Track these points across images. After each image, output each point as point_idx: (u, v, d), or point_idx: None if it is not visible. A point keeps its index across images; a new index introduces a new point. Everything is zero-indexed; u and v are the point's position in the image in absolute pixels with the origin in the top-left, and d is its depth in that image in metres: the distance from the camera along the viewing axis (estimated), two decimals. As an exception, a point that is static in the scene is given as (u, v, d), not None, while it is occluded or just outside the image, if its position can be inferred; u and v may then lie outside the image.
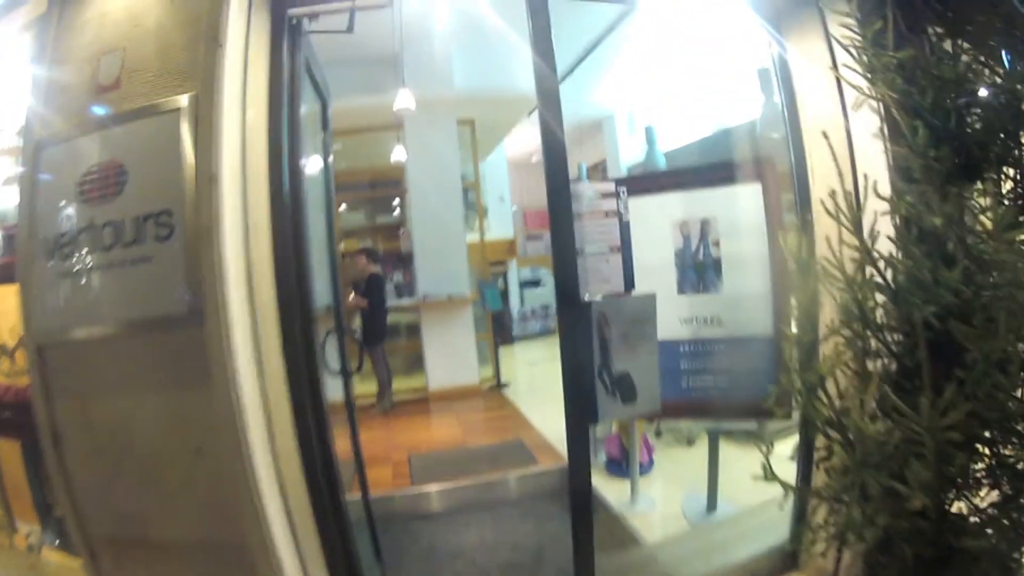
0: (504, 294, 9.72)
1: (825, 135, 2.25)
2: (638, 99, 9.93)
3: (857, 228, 1.99)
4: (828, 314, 2.30)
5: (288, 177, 1.95)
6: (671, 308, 3.22)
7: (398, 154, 7.06)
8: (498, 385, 7.41)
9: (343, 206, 9.20)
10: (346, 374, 2.95)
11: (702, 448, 4.33)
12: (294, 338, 1.93)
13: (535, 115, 8.14)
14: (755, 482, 2.23)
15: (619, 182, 2.65)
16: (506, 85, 7.17)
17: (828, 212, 2.13)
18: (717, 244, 3.20)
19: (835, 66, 2.62)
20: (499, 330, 8.09)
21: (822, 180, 2.77)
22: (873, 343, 2.14)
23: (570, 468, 2.20)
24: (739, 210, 3.23)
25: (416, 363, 7.47)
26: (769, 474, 2.33)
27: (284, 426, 1.91)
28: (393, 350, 7.61)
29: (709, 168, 3.36)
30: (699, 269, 3.23)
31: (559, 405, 5.77)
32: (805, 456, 2.75)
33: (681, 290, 3.24)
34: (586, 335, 2.25)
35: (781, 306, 3.10)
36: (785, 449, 4.34)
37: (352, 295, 6.75)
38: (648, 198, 3.31)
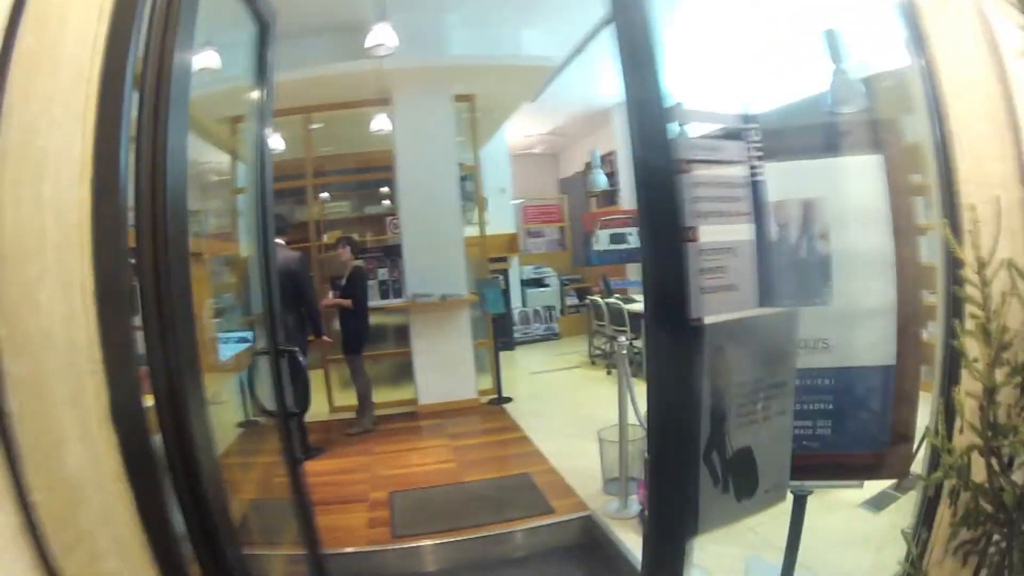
0: (505, 295, 8.77)
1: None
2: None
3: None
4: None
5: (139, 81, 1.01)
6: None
7: (384, 129, 6.06)
8: (499, 400, 6.47)
9: (326, 194, 8.30)
10: (285, 416, 2.02)
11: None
12: (132, 405, 1.00)
13: (539, 101, 7.28)
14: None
15: (747, 119, 1.69)
16: (511, 53, 6.23)
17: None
18: (825, 236, 2.25)
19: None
20: (499, 334, 7.14)
21: (972, 154, 1.92)
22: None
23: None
24: (851, 190, 2.29)
25: (404, 373, 6.53)
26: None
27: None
28: (377, 358, 6.68)
29: (812, 130, 2.42)
30: (800, 271, 2.29)
31: (570, 427, 4.86)
32: (925, 528, 1.90)
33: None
34: (694, 385, 1.32)
35: (910, 324, 2.18)
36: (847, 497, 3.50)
37: (331, 294, 5.85)
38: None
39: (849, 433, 2.27)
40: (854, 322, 2.24)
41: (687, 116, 1.41)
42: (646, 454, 1.35)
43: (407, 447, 5.18)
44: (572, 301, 11.14)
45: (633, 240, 9.51)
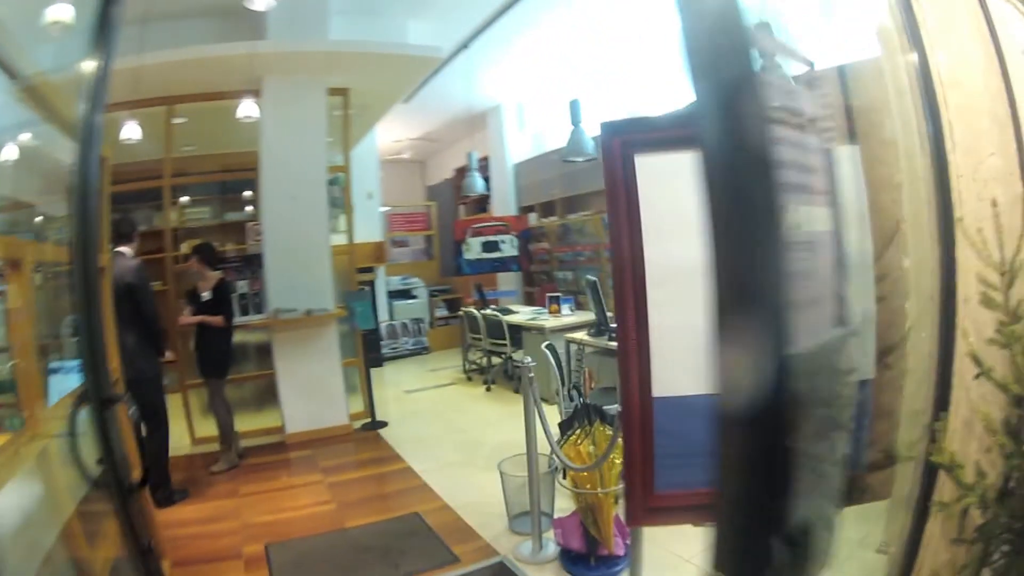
0: (373, 308, 8.13)
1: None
2: (546, 84, 8.82)
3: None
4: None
5: None
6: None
7: (252, 116, 5.31)
8: (373, 424, 5.89)
9: (185, 198, 7.44)
10: (120, 492, 1.45)
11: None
12: None
13: (412, 104, 6.87)
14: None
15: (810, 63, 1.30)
16: (393, 41, 5.73)
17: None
18: (800, 234, 1.98)
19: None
20: (367, 350, 6.50)
21: (967, 148, 1.77)
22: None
23: None
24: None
25: (267, 397, 5.80)
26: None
27: None
28: (239, 381, 5.92)
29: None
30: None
31: (457, 453, 4.41)
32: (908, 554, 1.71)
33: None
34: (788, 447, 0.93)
35: (890, 333, 1.97)
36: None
37: (187, 310, 5.06)
38: (672, 157, 2.05)
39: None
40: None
41: (765, 43, 1.02)
42: (713, 567, 0.95)
43: (278, 485, 4.50)
44: (442, 313, 10.69)
45: (506, 248, 9.22)
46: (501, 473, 3.52)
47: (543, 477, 3.34)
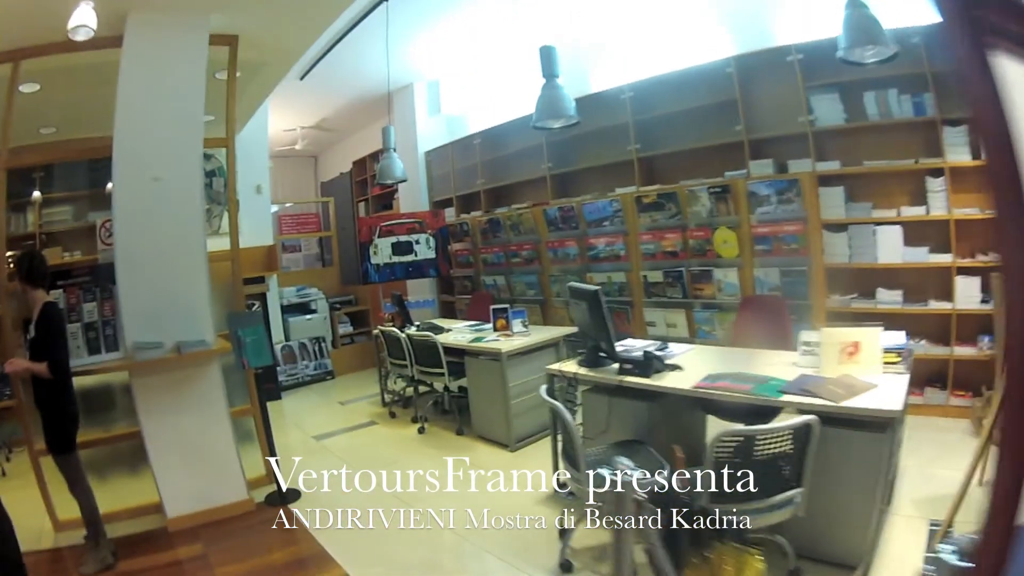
0: (267, 333, 6.40)
1: None
2: (467, 59, 7.51)
3: None
4: None
5: None
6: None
7: (84, 25, 3.56)
8: (281, 497, 4.34)
9: (36, 194, 5.83)
10: None
11: None
12: None
13: (310, 79, 5.20)
14: None
15: None
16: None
17: None
18: None
19: None
20: (262, 381, 4.89)
21: None
22: None
23: None
24: None
25: (139, 457, 4.14)
26: None
27: None
28: (101, 443, 4.25)
29: None
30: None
31: (411, 547, 2.14)
32: None
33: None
34: None
35: None
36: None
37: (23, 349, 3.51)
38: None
39: None
40: None
41: None
42: None
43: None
44: (346, 329, 9.10)
45: (422, 249, 7.85)
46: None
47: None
